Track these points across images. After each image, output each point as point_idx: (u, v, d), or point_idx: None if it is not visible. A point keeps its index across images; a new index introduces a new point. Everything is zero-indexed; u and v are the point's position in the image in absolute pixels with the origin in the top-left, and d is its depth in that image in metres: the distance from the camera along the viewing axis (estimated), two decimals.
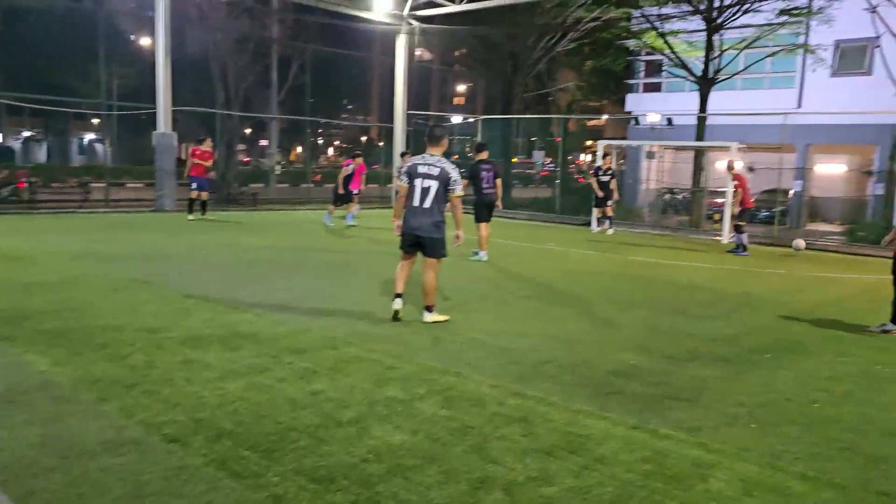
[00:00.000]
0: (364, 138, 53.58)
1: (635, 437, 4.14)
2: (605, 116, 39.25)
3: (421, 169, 6.56)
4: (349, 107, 57.04)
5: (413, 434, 4.03)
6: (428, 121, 27.86)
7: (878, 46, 18.74)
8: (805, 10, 20.59)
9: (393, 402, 4.54)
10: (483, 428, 4.16)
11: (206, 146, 16.14)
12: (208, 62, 22.61)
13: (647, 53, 26.01)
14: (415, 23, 23.56)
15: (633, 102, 31.13)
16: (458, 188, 6.58)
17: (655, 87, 30.56)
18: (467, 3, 21.06)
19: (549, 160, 45.44)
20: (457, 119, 29.71)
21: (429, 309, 6.80)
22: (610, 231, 17.10)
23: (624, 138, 29.71)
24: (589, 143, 41.62)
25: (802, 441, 4.19)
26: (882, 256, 14.53)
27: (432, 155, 6.63)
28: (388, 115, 25.59)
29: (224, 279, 8.69)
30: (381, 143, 31.62)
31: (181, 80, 21.00)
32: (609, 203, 17.23)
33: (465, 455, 3.78)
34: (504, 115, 26.48)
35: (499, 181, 11.51)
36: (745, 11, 19.73)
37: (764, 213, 22.14)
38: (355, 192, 16.30)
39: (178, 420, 4.08)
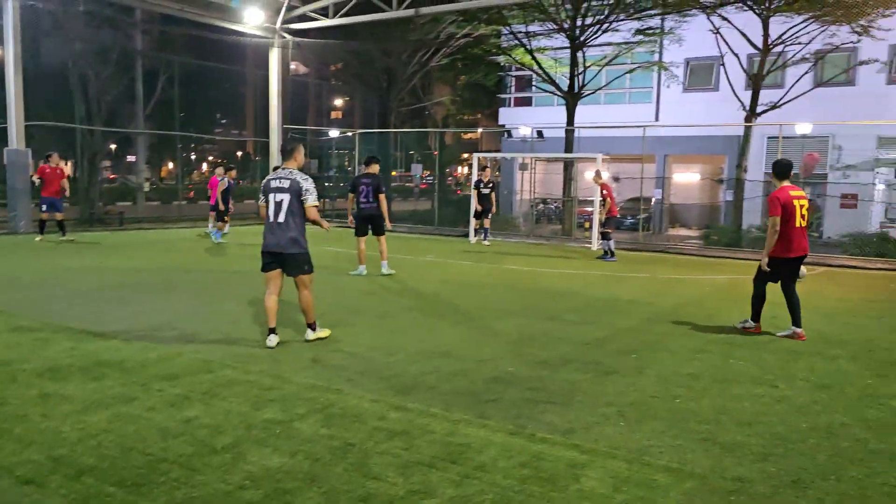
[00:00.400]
0: (240, 153, 52.02)
1: (513, 442, 4.25)
2: (479, 129, 40.21)
3: (273, 184, 6.33)
4: (223, 121, 55.26)
5: (292, 456, 3.95)
6: (305, 135, 27.45)
7: (722, 64, 20.38)
8: (658, 31, 22.09)
9: (271, 424, 4.43)
10: (364, 444, 4.15)
11: (54, 162, 15.07)
12: (67, 74, 21.23)
13: (517, 69, 26.94)
14: (288, 36, 23.22)
15: (506, 116, 32.15)
16: (311, 198, 6.30)
17: (526, 102, 31.73)
18: (340, 17, 21.00)
19: (427, 173, 45.99)
20: (334, 133, 29.45)
21: (311, 327, 6.66)
22: (486, 242, 17.43)
23: (498, 150, 30.56)
24: (465, 155, 42.51)
25: (666, 435, 4.46)
26: (734, 258, 15.75)
27: (285, 168, 6.42)
28: (264, 129, 25.01)
29: (87, 305, 8.16)
30: (257, 158, 30.79)
31: (36, 93, 19.61)
32: (487, 215, 17.52)
33: (347, 473, 3.74)
34: (381, 129, 26.57)
35: (381, 196, 11.08)
36: (605, 31, 20.90)
37: (629, 221, 23.44)
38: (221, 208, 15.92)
39: (32, 460, 3.79)
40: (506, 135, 29.83)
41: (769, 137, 22.27)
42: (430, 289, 10.18)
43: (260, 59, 26.39)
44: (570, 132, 21.22)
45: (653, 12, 21.12)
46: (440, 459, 3.95)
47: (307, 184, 6.30)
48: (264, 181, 6.48)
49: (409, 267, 12.62)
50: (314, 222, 6.42)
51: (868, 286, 11.83)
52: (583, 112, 22.24)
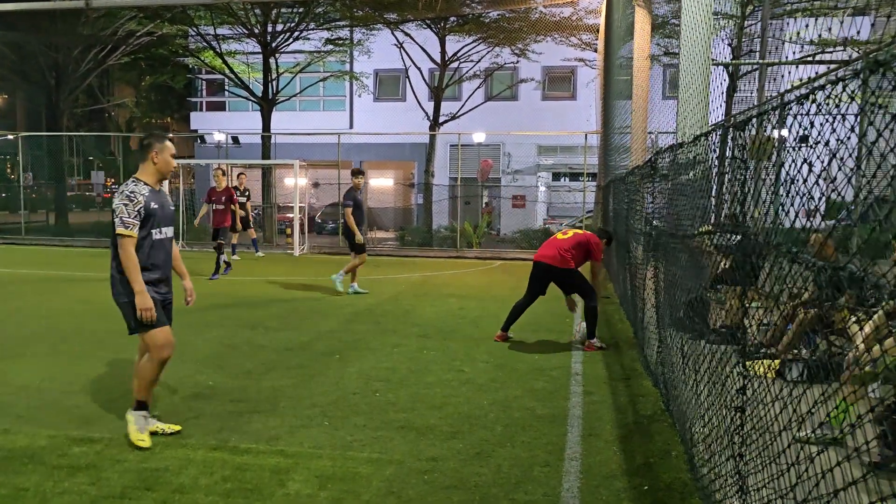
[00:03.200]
0: None
1: (215, 458, 4.12)
2: (169, 135, 37.78)
3: None
4: None
5: None
6: None
7: (408, 77, 21.83)
8: (347, 42, 22.88)
9: None
10: (41, 486, 3.68)
11: None
12: None
13: (208, 72, 25.87)
14: None
15: (198, 120, 30.72)
16: (116, 223, 4.25)
17: (220, 106, 30.62)
18: None
19: (111, 181, 41.93)
20: None
21: (139, 407, 4.43)
22: (260, 253, 16.52)
23: (192, 157, 29.05)
24: None
25: (367, 428, 4.68)
26: (426, 256, 16.97)
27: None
28: None
29: None
30: None
31: None
32: (249, 226, 16.09)
33: None
34: (51, 131, 23.56)
35: (347, 210, 10.33)
36: (297, 38, 21.06)
37: (330, 225, 23.91)
38: None
39: None
40: (199, 140, 28.47)
41: (451, 145, 24.40)
42: (99, 310, 9.33)
43: None
44: (266, 138, 20.98)
45: (341, 23, 21.82)
46: (133, 488, 3.67)
47: (117, 199, 4.33)
48: None
49: (93, 284, 11.41)
50: (123, 267, 4.31)
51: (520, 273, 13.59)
52: (279, 118, 22.16)
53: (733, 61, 18.91)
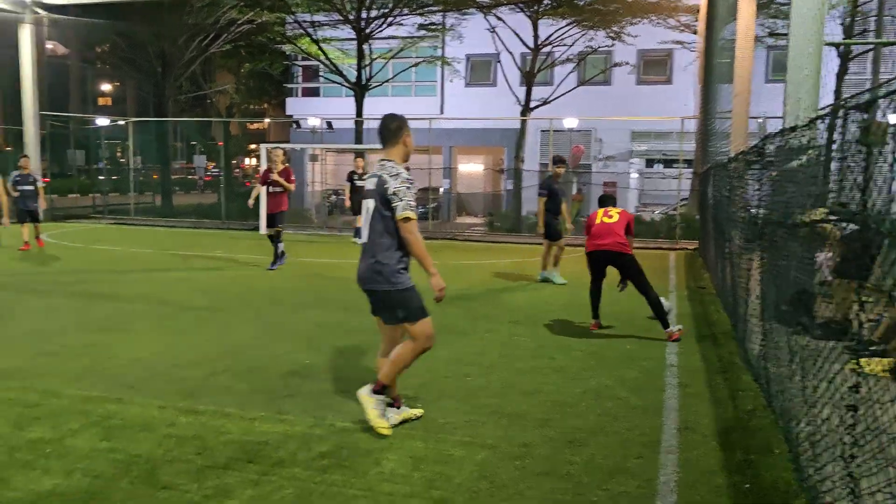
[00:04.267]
0: None
1: (313, 434, 4.24)
2: (266, 120, 39.04)
3: (366, 184, 4.43)
4: None
5: (67, 476, 3.60)
6: (68, 123, 24.78)
7: (499, 62, 21.70)
8: (440, 27, 22.91)
9: (39, 444, 4.00)
10: (152, 454, 3.90)
11: None
12: None
13: (304, 59, 26.53)
14: (42, 12, 20.79)
15: (294, 106, 31.56)
16: (401, 205, 4.13)
17: (314, 92, 31.37)
18: None
19: (211, 165, 43.79)
20: (103, 121, 26.94)
21: (380, 392, 4.37)
22: (359, 242, 15.45)
23: (287, 141, 29.92)
24: (252, 146, 41.09)
25: (459, 411, 4.70)
26: (515, 242, 16.88)
27: (383, 160, 4.32)
28: (15, 116, 22.23)
29: None
30: (9, 148, 27.27)
31: None
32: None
33: (133, 487, 3.50)
34: (158, 117, 24.80)
35: (540, 198, 10.25)
36: (390, 24, 21.26)
37: (420, 210, 24.15)
38: None
39: None
40: (294, 125, 29.29)
41: (542, 130, 24.10)
42: (218, 285, 9.76)
43: (7, 37, 23.36)
44: (359, 123, 21.34)
45: (434, 8, 21.86)
46: (236, 460, 3.83)
47: (396, 182, 4.14)
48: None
49: (195, 263, 11.97)
50: (413, 252, 4.27)
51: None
52: (371, 103, 22.46)
53: (845, 41, 17.77)
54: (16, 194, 12.99)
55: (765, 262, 5.13)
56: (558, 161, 10.37)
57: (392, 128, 4.30)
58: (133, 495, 3.41)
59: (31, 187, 13.10)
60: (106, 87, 53.67)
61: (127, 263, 11.91)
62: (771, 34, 19.96)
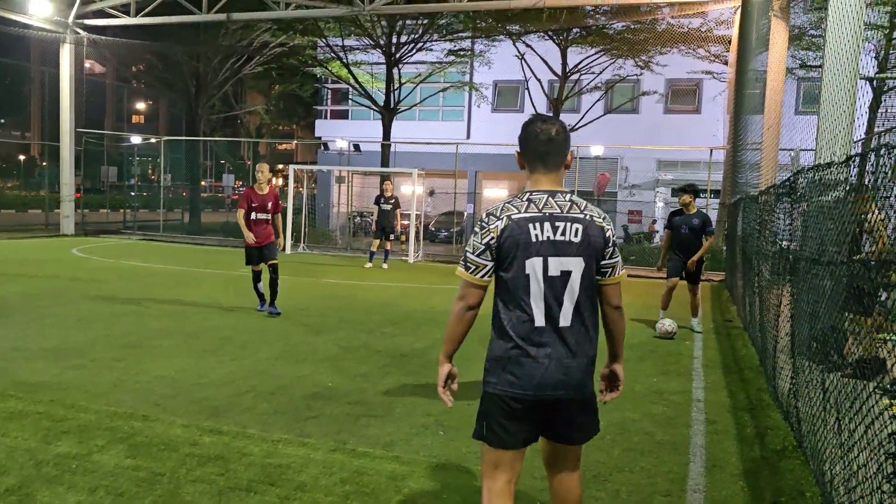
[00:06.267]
0: (22, 157, 46.85)
1: (334, 459, 4.22)
2: (295, 141, 39.52)
3: (539, 230, 2.66)
4: (1, 121, 49.55)
5: (91, 492, 3.62)
6: (102, 140, 25.30)
7: (527, 88, 21.82)
8: (468, 53, 23.14)
9: (66, 458, 4.03)
10: (175, 473, 3.90)
11: None
12: None
13: (334, 81, 26.89)
14: (82, 32, 21.35)
15: (322, 128, 31.94)
16: (620, 262, 2.85)
17: (343, 115, 31.75)
18: (142, 16, 19.70)
19: (239, 183, 44.35)
20: (136, 139, 27.47)
21: None
22: (385, 265, 15.15)
23: (315, 163, 30.26)
24: (280, 166, 41.60)
25: None
26: None
27: (556, 193, 2.72)
28: (53, 132, 22.76)
29: None
30: (44, 164, 27.89)
31: None
32: (390, 236, 15.18)
33: None
34: (189, 136, 25.24)
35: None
36: (420, 49, 21.52)
37: (443, 234, 24.19)
38: None
39: None
40: (322, 147, 29.61)
41: None
42: (243, 305, 9.82)
43: (48, 56, 23.98)
44: (386, 146, 21.53)
45: (464, 35, 22.10)
46: (258, 482, 3.83)
47: (611, 230, 2.80)
48: (518, 217, 2.68)
49: (220, 282, 12.07)
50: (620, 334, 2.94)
51: (650, 293, 13.14)
52: (398, 127, 22.69)
53: (879, 75, 17.63)
54: None
55: (797, 298, 5.04)
56: (684, 191, 9.09)
57: (565, 141, 2.74)
58: None
59: None
60: (140, 105, 54.80)
61: (155, 279, 12.05)
62: (802, 66, 19.86)
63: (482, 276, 2.72)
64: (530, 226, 2.65)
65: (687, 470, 4.32)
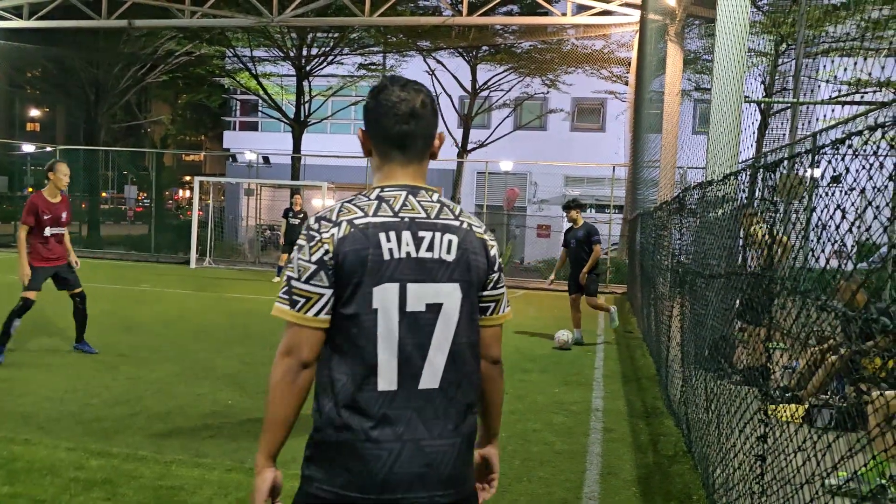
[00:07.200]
0: None
1: (230, 479, 4.10)
2: (202, 152, 38.44)
3: (397, 243, 1.76)
4: None
5: None
6: None
7: (438, 104, 22.16)
8: (380, 67, 23.22)
9: None
10: (57, 499, 3.70)
11: None
12: None
13: (243, 92, 26.37)
14: None
15: (231, 140, 31.23)
16: (505, 297, 1.99)
17: (252, 126, 31.14)
18: (36, 20, 18.74)
19: (143, 195, 42.67)
20: (29, 148, 26.00)
21: None
22: (276, 279, 14.80)
23: (223, 175, 29.51)
24: (187, 178, 40.32)
25: None
26: None
27: (420, 190, 1.86)
28: None
29: None
30: None
31: None
32: None
33: None
34: (88, 145, 24.11)
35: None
36: (331, 62, 21.43)
37: None
38: None
39: None
40: (231, 159, 28.94)
41: (478, 172, 24.48)
42: (142, 321, 9.44)
43: None
44: (296, 159, 21.26)
45: (375, 49, 22.16)
46: None
47: (495, 247, 1.93)
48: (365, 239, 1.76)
49: (120, 298, 11.56)
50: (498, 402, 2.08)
51: (560, 307, 13.48)
52: (309, 140, 22.45)
53: (765, 99, 18.81)
54: None
55: (686, 309, 5.30)
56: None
57: (433, 116, 1.92)
58: None
59: None
60: (35, 112, 51.95)
61: (43, 296, 11.40)
62: (697, 88, 20.97)
63: (317, 314, 1.73)
64: (381, 236, 1.73)
65: (583, 478, 4.44)
